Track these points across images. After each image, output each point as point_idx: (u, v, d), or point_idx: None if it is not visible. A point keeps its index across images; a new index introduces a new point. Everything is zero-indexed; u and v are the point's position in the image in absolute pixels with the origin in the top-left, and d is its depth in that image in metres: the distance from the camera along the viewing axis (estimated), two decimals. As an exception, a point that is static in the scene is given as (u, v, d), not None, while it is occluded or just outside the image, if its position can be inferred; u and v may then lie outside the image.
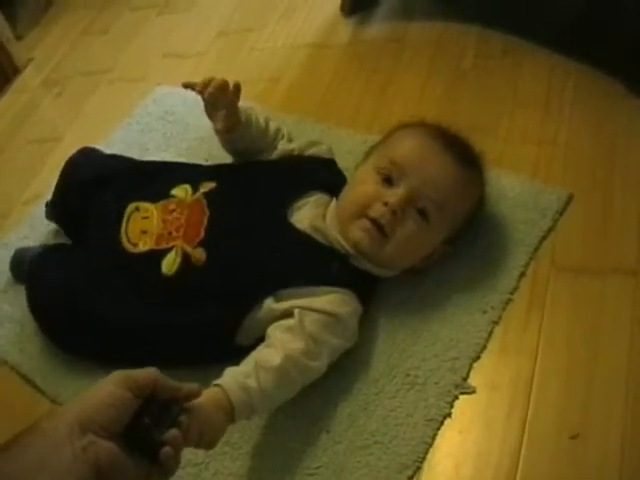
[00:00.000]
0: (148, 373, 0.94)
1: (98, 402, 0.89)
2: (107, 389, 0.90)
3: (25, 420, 1.37)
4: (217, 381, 1.13)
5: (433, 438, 1.21)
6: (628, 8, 1.66)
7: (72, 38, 2.51)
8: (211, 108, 1.48)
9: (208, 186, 1.46)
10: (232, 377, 1.14)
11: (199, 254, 1.36)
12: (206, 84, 1.43)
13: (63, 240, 1.66)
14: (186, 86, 1.46)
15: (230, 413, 1.10)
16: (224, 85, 1.43)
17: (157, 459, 0.91)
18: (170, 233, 1.40)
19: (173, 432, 0.93)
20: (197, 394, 0.99)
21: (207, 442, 1.03)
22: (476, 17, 1.94)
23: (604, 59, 1.70)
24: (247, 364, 1.19)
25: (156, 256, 1.38)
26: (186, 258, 1.36)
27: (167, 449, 0.91)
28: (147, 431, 0.91)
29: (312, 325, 1.24)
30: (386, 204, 1.32)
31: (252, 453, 1.26)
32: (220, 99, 1.44)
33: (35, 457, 0.83)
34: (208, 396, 1.06)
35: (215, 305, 1.32)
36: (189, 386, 0.98)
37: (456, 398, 1.25)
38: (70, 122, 2.15)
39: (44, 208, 1.72)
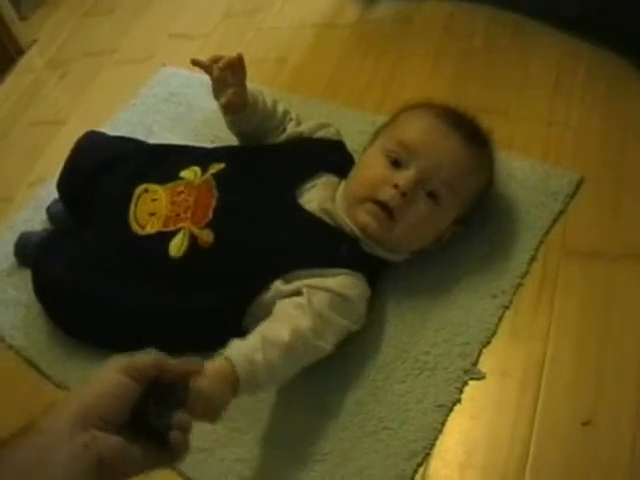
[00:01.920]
0: (149, 358, 0.91)
1: (98, 393, 0.86)
2: (107, 378, 0.87)
3: (30, 405, 1.39)
4: (224, 352, 1.12)
5: (443, 424, 1.20)
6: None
7: (76, 19, 2.49)
8: (219, 87, 1.46)
9: (217, 167, 1.44)
10: (239, 350, 1.13)
11: (207, 236, 1.34)
12: (214, 61, 1.42)
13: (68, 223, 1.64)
14: (194, 63, 1.44)
15: (234, 386, 1.08)
16: (233, 62, 1.42)
17: (166, 444, 0.89)
18: (178, 215, 1.39)
19: (181, 415, 0.91)
20: (199, 371, 0.97)
21: (211, 416, 1.01)
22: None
23: (617, 42, 1.67)
24: (254, 337, 1.17)
25: (164, 238, 1.37)
26: (193, 240, 1.35)
27: (176, 433, 0.89)
28: (154, 417, 0.89)
29: (320, 304, 1.23)
30: (396, 186, 1.30)
31: (259, 439, 1.24)
32: (228, 78, 1.43)
33: (32, 458, 0.80)
34: (213, 368, 1.04)
35: (223, 288, 1.31)
36: (191, 364, 0.96)
37: (466, 384, 1.24)
38: (74, 104, 2.13)
39: (45, 211, 1.71)
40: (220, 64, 1.41)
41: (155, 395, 0.90)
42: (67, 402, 0.86)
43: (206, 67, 1.43)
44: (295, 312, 1.22)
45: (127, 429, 0.87)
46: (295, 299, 1.24)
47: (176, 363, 0.93)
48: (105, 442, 0.83)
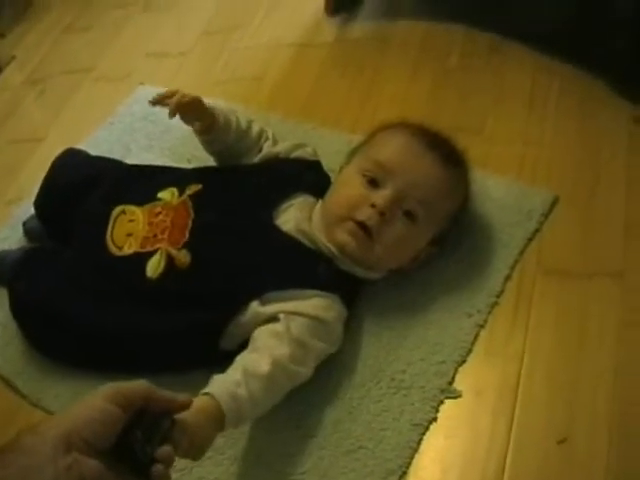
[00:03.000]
0: (139, 386, 0.91)
1: (85, 418, 0.85)
2: (95, 404, 0.87)
3: (5, 423, 1.38)
4: (207, 389, 1.11)
5: (419, 443, 1.20)
6: (613, 9, 1.65)
7: (54, 36, 2.48)
8: (183, 118, 1.47)
9: (194, 188, 1.45)
10: (222, 385, 1.13)
11: (183, 256, 1.34)
12: (168, 97, 1.44)
13: (44, 242, 1.63)
14: (154, 103, 1.46)
15: (220, 422, 1.08)
16: (181, 103, 1.43)
17: (148, 475, 0.88)
18: (155, 236, 1.39)
19: (165, 449, 0.90)
20: (188, 405, 0.96)
21: (195, 453, 1.01)
22: (462, 16, 1.94)
23: (589, 60, 1.70)
24: (235, 371, 1.17)
25: (141, 259, 1.37)
26: (170, 261, 1.35)
27: (159, 467, 0.88)
28: (139, 446, 0.88)
29: (298, 330, 1.23)
30: (373, 206, 1.31)
31: (236, 458, 1.24)
32: (187, 112, 1.45)
33: (15, 477, 0.79)
34: (198, 406, 1.03)
35: (199, 309, 1.31)
36: (180, 398, 0.95)
37: (442, 402, 1.24)
38: (52, 121, 2.12)
39: (21, 227, 1.70)
40: (171, 106, 1.43)
41: (142, 425, 0.90)
42: (52, 423, 0.85)
43: (163, 104, 1.45)
44: (273, 341, 1.22)
45: (109, 455, 0.86)
46: (272, 327, 1.24)
47: (164, 394, 0.93)
48: (87, 465, 0.83)
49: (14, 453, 0.81)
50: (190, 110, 1.45)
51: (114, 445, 0.87)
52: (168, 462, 0.90)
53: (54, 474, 0.80)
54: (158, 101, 1.45)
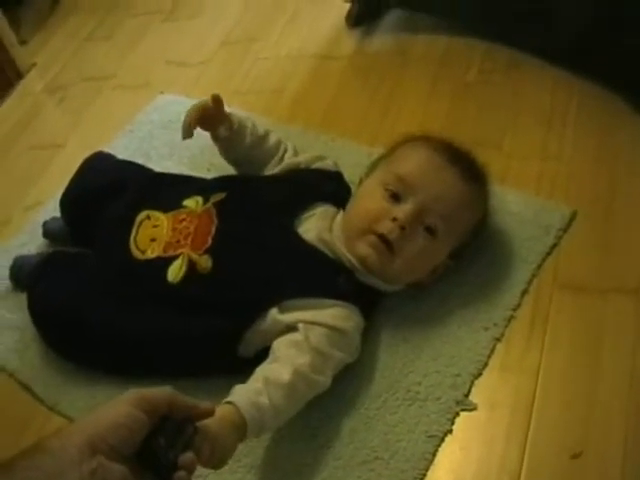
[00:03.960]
0: (163, 392, 0.91)
1: (110, 422, 0.86)
2: (121, 409, 0.87)
3: (22, 427, 1.39)
4: (229, 398, 1.12)
5: (434, 454, 1.21)
6: (633, 26, 1.65)
7: (75, 43, 2.50)
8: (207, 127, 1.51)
9: (218, 197, 1.46)
10: (244, 395, 1.13)
11: (205, 262, 1.35)
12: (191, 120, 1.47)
13: (63, 247, 1.65)
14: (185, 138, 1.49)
15: (242, 431, 1.09)
16: (201, 111, 1.47)
17: None
18: (178, 241, 1.39)
19: (188, 455, 0.90)
20: (211, 413, 0.97)
21: (217, 462, 1.01)
22: (481, 32, 1.94)
23: (608, 76, 1.70)
24: (256, 381, 1.18)
25: (162, 263, 1.38)
26: (192, 266, 1.35)
27: (182, 473, 0.89)
28: (162, 452, 0.89)
29: (317, 339, 1.24)
30: (394, 220, 1.32)
31: (251, 466, 1.25)
32: (207, 120, 1.48)
33: (40, 479, 0.80)
34: (220, 414, 1.03)
35: (219, 315, 1.31)
36: (203, 405, 0.96)
37: (457, 415, 1.25)
38: (72, 128, 2.14)
39: (40, 227, 1.72)
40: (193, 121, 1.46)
41: (165, 431, 0.90)
42: (77, 428, 0.86)
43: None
44: (293, 351, 1.22)
45: (133, 460, 0.87)
46: (291, 337, 1.25)
47: (187, 401, 0.94)
48: (111, 470, 0.83)
49: (38, 456, 0.81)
50: (205, 122, 1.48)
51: (138, 450, 0.88)
52: (190, 468, 0.90)
53: (78, 478, 0.81)
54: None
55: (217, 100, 1.48)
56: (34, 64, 2.45)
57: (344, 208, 1.43)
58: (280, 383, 1.17)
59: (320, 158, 1.55)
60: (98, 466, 0.82)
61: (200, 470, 1.21)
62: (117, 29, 2.51)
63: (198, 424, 0.95)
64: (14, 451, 0.83)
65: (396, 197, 1.35)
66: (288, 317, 1.27)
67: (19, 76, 2.40)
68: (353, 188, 1.51)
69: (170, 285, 1.35)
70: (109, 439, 0.84)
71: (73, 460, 0.81)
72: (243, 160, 1.57)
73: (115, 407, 0.88)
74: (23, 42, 2.52)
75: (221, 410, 1.06)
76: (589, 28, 1.73)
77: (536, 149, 1.63)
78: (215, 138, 1.54)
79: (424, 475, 1.18)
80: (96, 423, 0.86)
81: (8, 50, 2.36)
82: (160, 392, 0.92)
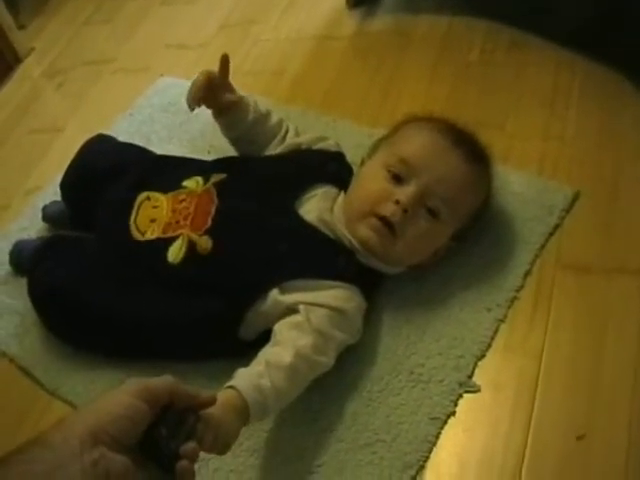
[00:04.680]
0: (164, 382, 0.90)
1: (112, 413, 0.85)
2: (122, 400, 0.86)
3: (22, 413, 1.39)
4: (230, 383, 1.11)
5: (437, 437, 1.20)
6: (637, 5, 1.64)
7: (74, 27, 2.49)
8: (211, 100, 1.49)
9: (219, 177, 1.45)
10: (245, 378, 1.13)
11: (205, 242, 1.34)
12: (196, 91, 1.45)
13: (63, 231, 1.64)
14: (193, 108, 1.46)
15: (245, 415, 1.08)
16: (207, 80, 1.45)
17: (173, 471, 0.88)
18: (178, 222, 1.39)
19: (191, 445, 0.90)
20: (212, 402, 0.96)
21: (220, 448, 1.00)
22: (483, 11, 1.93)
23: (611, 56, 1.68)
24: (257, 364, 1.17)
25: (162, 244, 1.37)
26: (192, 246, 1.35)
27: (184, 462, 0.88)
28: (164, 442, 0.88)
29: (318, 320, 1.23)
30: (397, 202, 1.31)
31: (253, 450, 1.24)
32: (213, 89, 1.47)
33: (42, 471, 0.79)
34: (223, 399, 1.02)
35: (219, 296, 1.30)
36: (205, 394, 0.95)
37: (460, 397, 1.24)
38: (72, 112, 2.13)
39: (40, 212, 1.71)
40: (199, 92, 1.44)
41: (167, 421, 0.90)
42: (78, 419, 0.85)
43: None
44: (294, 333, 1.22)
45: (135, 450, 0.86)
46: (292, 319, 1.24)
47: (188, 390, 0.93)
48: (113, 461, 0.82)
49: (40, 448, 0.81)
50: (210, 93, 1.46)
51: (140, 441, 0.87)
52: (193, 458, 0.90)
53: (80, 469, 0.80)
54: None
55: (225, 60, 1.46)
56: (33, 48, 2.45)
57: (346, 189, 1.42)
58: (282, 365, 1.16)
59: (322, 139, 1.54)
60: (100, 457, 0.81)
61: (202, 454, 1.22)
62: (116, 13, 2.50)
63: (201, 413, 0.95)
64: (15, 436, 0.83)
65: (398, 179, 1.34)
66: (289, 298, 1.27)
67: (18, 60, 2.40)
68: (355, 169, 1.50)
69: (170, 266, 1.35)
70: (111, 430, 0.84)
71: (74, 451, 0.81)
72: (245, 139, 1.56)
73: (116, 398, 0.87)
74: (22, 26, 2.52)
75: (223, 395, 1.06)
76: (593, 8, 1.72)
77: (539, 130, 1.62)
78: (218, 114, 1.53)
79: (427, 458, 1.18)
80: (97, 414, 0.85)
81: (7, 34, 2.36)
82: (161, 382, 0.91)
